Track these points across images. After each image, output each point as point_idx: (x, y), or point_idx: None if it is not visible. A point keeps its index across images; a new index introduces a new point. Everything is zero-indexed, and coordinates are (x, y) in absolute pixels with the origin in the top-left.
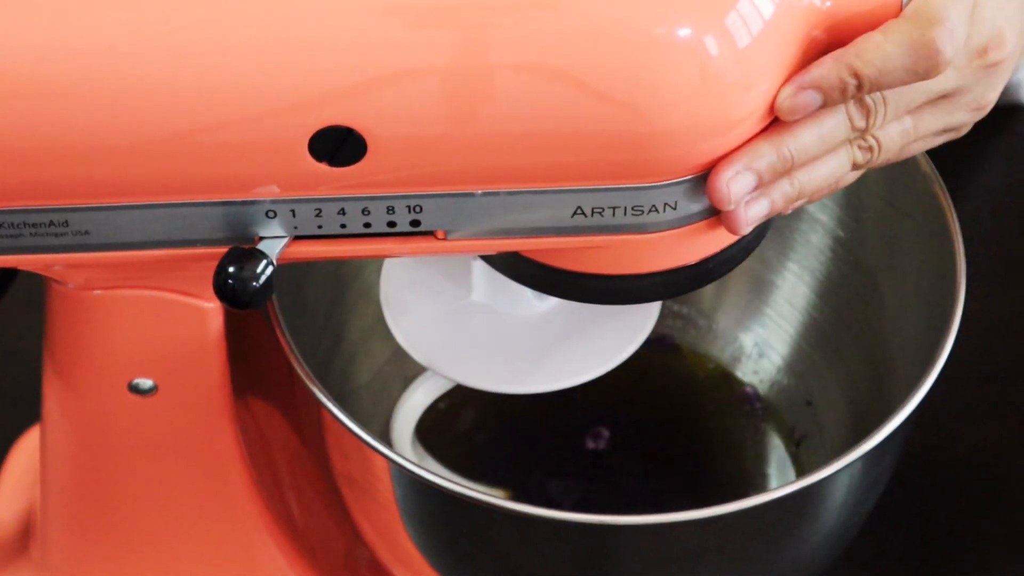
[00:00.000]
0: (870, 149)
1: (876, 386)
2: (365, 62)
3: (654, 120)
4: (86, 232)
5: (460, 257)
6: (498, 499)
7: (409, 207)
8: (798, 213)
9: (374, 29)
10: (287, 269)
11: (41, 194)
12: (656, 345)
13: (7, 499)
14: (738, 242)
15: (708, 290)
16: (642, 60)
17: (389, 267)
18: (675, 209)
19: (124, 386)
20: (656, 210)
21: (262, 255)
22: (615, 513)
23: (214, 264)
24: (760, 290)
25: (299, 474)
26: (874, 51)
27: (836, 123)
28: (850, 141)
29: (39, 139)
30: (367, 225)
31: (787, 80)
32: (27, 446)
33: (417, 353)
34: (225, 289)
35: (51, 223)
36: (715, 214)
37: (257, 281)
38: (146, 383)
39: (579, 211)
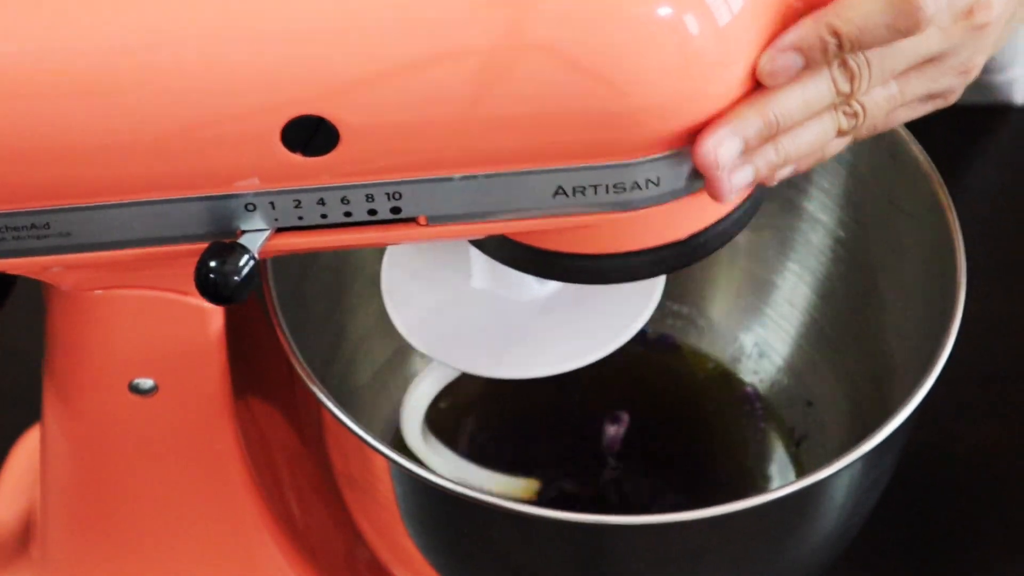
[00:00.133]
0: (855, 115)
1: (876, 386)
2: (332, 51)
3: (634, 98)
4: (68, 233)
5: (460, 244)
6: (498, 499)
7: (388, 194)
8: (798, 213)
9: (338, 17)
10: (287, 269)
11: (20, 197)
12: (656, 345)
13: (7, 499)
14: (729, 215)
15: (709, 290)
16: (622, 39)
17: (390, 257)
18: (658, 185)
19: (124, 386)
20: (639, 187)
21: (243, 249)
22: (615, 513)
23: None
24: (760, 290)
25: (299, 474)
26: (853, 8)
27: (820, 87)
28: (835, 107)
29: (15, 141)
30: (348, 215)
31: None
32: (27, 446)
33: (418, 342)
34: (207, 284)
35: (32, 225)
36: (700, 188)
37: (238, 275)
38: (146, 383)
39: (560, 191)
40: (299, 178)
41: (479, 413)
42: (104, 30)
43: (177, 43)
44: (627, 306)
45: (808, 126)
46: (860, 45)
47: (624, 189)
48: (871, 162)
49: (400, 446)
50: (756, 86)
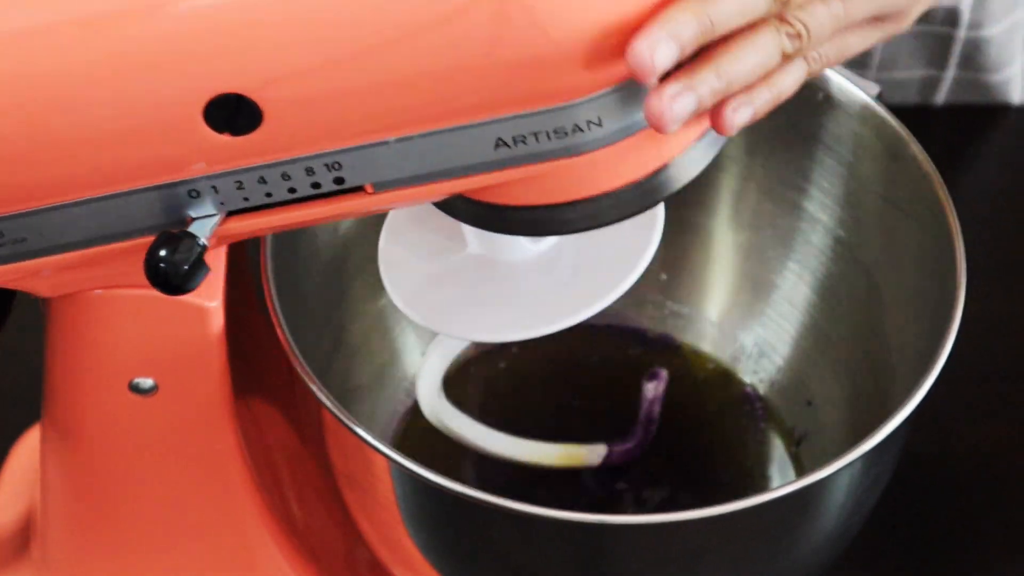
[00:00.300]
0: (798, 36)
1: (876, 386)
2: (240, 27)
3: (554, 33)
4: (23, 239)
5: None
6: (498, 499)
7: (327, 166)
8: (798, 213)
9: None
10: (288, 269)
11: None
12: (656, 345)
13: (7, 499)
14: (691, 150)
15: (709, 290)
16: None
17: (387, 233)
18: (601, 126)
19: (124, 385)
20: (580, 129)
21: (190, 236)
22: (615, 513)
23: None
24: (760, 290)
25: (299, 474)
26: None
27: None
28: (776, 22)
29: None
30: (292, 191)
31: None
32: (27, 446)
33: (418, 316)
34: (157, 274)
35: None
36: (646, 125)
37: (187, 263)
38: (146, 383)
39: (501, 143)
40: (234, 159)
41: (479, 414)
42: (24, 28)
43: (89, 30)
44: (627, 249)
45: (749, 45)
46: None
47: (566, 133)
48: (871, 162)
49: (400, 446)
50: None
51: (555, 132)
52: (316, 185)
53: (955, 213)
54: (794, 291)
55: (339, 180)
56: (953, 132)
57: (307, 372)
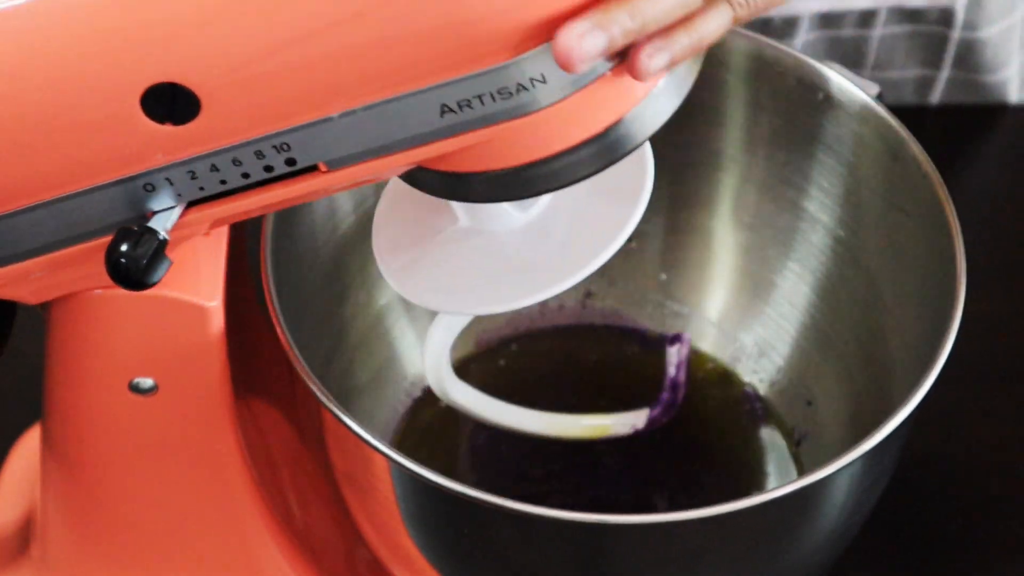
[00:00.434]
0: None
1: (876, 386)
2: (166, 15)
3: None
4: None
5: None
6: (498, 499)
7: (276, 147)
8: (798, 213)
9: None
10: (288, 270)
11: None
12: (656, 345)
13: (7, 499)
14: (650, 101)
15: (709, 290)
16: None
17: (380, 213)
18: (546, 83)
19: (125, 385)
20: (525, 88)
21: (149, 230)
22: (615, 513)
23: None
24: (760, 290)
25: (299, 474)
26: None
27: None
28: None
29: None
30: (246, 176)
31: None
32: (27, 446)
33: (412, 295)
34: (118, 269)
35: None
36: (597, 77)
37: (146, 257)
38: (147, 382)
39: (447, 109)
40: (182, 149)
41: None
42: None
43: (14, 22)
44: (618, 203)
45: None
46: None
47: (511, 93)
48: (871, 162)
49: (400, 446)
50: None
51: (499, 93)
52: (269, 168)
53: (955, 213)
54: (794, 291)
55: (291, 161)
56: (950, 132)
57: (307, 372)
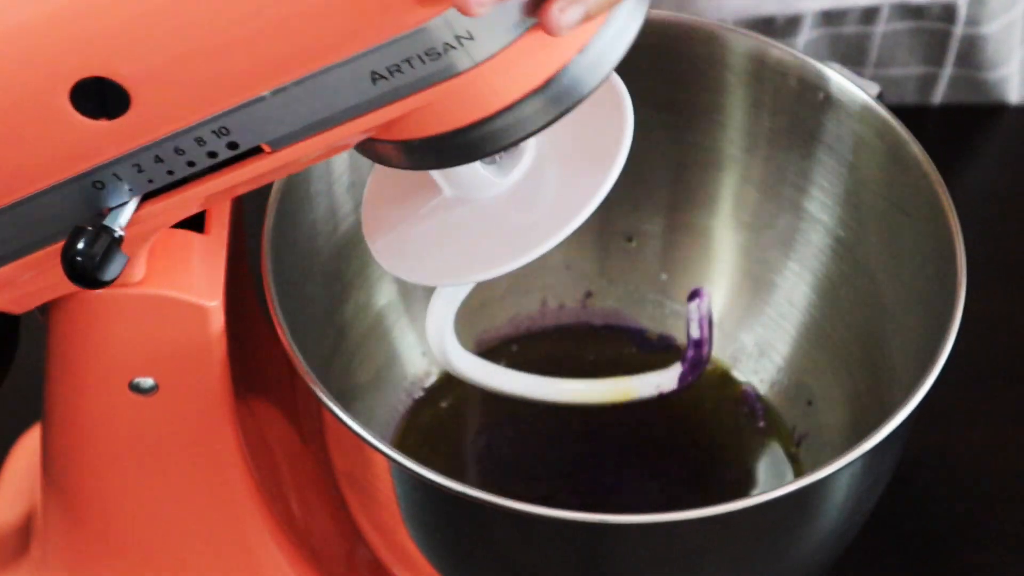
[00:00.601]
0: None
1: (876, 386)
2: (78, 11)
3: None
4: None
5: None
6: (498, 499)
7: (215, 132)
8: (798, 213)
9: None
10: (288, 270)
11: None
12: (656, 345)
13: (7, 499)
14: (593, 47)
15: (709, 290)
16: None
17: (366, 201)
18: (473, 39)
19: (125, 385)
20: (452, 47)
21: (103, 227)
22: (615, 513)
23: None
24: (760, 290)
25: (300, 474)
26: None
27: None
28: None
29: None
30: (191, 164)
31: None
32: (27, 446)
33: (404, 273)
34: (74, 268)
35: None
36: (525, 30)
37: (99, 255)
38: (147, 382)
39: (378, 76)
40: (122, 143)
41: (479, 414)
42: None
43: None
44: (598, 156)
45: None
46: None
47: (439, 54)
48: (871, 162)
49: (400, 446)
50: None
51: (427, 55)
52: (212, 154)
53: (955, 213)
54: (794, 291)
55: (233, 145)
56: (951, 132)
57: (307, 372)
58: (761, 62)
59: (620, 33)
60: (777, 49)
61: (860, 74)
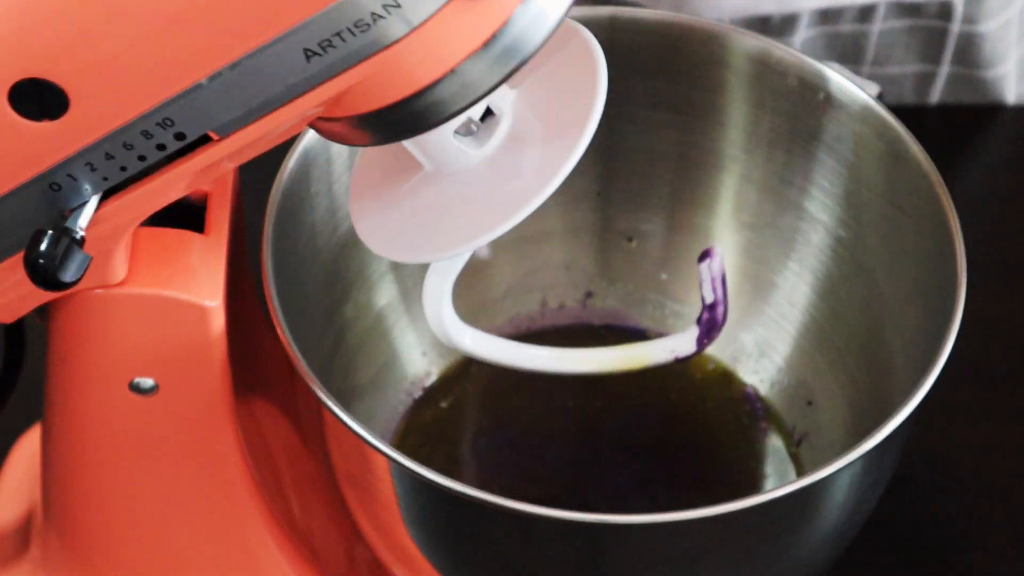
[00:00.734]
0: None
1: (876, 386)
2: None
3: None
4: None
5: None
6: (498, 499)
7: (159, 124)
8: (798, 213)
9: None
10: (288, 270)
11: None
12: None
13: (7, 499)
14: (528, 5)
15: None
16: None
17: (353, 186)
18: (400, 7)
19: (125, 385)
20: (380, 16)
21: (62, 228)
22: (615, 513)
23: None
24: (760, 290)
25: (299, 474)
26: None
27: None
28: None
29: None
30: (142, 158)
31: None
32: (27, 446)
33: (392, 252)
34: (36, 271)
35: None
36: None
37: (59, 255)
38: (147, 382)
39: (311, 53)
40: (69, 143)
41: (479, 414)
42: None
43: None
44: (571, 115)
45: None
46: None
47: (368, 24)
48: (871, 162)
49: (400, 446)
50: None
51: (356, 26)
52: (162, 146)
53: (955, 213)
54: (794, 291)
55: (180, 136)
56: (949, 132)
57: (307, 372)
58: (761, 62)
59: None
60: (777, 49)
61: (858, 72)
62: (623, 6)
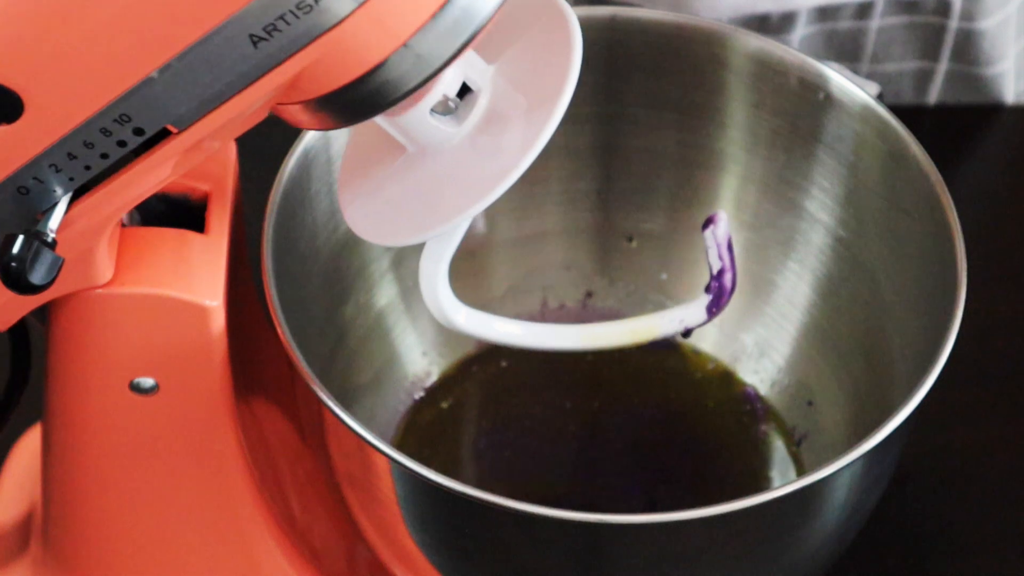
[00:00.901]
0: None
1: (876, 386)
2: None
3: None
4: None
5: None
6: (499, 498)
7: (117, 120)
8: (798, 213)
9: None
10: (288, 270)
11: None
12: (655, 344)
13: (7, 499)
14: None
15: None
16: None
17: (341, 175)
18: None
19: (125, 385)
20: None
21: (33, 232)
22: (615, 513)
23: None
24: (760, 289)
25: (300, 474)
26: None
27: None
28: None
29: None
30: (104, 155)
31: None
32: (27, 446)
33: (380, 237)
34: (8, 275)
35: None
36: None
37: (29, 258)
38: (147, 382)
39: (256, 38)
40: (29, 145)
41: (479, 414)
42: None
43: None
44: (545, 88)
45: None
46: None
47: (310, 5)
48: (872, 162)
49: (400, 446)
50: None
51: (299, 8)
52: (122, 143)
53: (956, 213)
54: (794, 291)
55: (139, 131)
56: (948, 132)
57: (307, 372)
58: (761, 62)
59: None
60: (778, 49)
61: (856, 70)
62: (623, 6)
